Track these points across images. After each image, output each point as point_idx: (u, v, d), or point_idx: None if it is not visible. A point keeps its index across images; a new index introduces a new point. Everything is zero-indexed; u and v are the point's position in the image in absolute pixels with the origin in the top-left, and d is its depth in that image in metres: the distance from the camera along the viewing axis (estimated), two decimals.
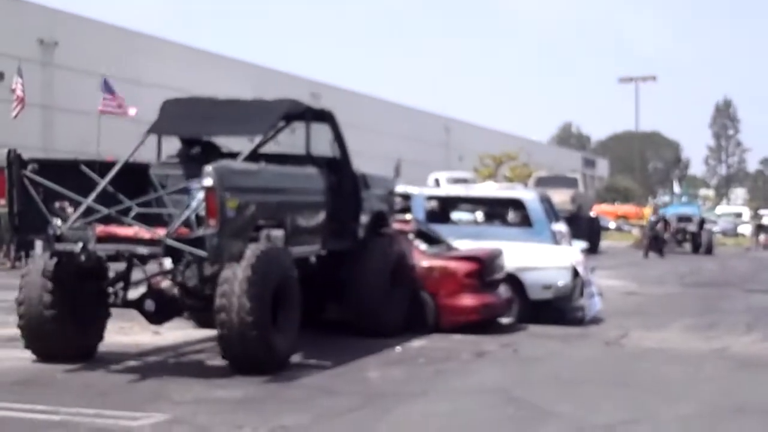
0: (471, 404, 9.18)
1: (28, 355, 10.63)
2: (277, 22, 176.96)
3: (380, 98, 59.21)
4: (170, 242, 9.80)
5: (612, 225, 53.71)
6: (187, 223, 10.30)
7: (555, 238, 17.34)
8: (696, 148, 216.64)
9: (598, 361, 12.00)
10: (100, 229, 10.12)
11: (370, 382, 10.11)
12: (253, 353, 9.84)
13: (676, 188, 61.63)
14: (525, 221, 17.93)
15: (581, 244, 19.60)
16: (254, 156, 11.55)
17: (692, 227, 38.32)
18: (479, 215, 19.76)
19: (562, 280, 14.91)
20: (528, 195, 18.80)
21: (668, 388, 10.23)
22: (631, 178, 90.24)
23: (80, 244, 9.90)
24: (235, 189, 9.80)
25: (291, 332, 10.51)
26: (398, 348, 12.17)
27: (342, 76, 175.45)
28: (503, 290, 14.26)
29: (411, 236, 14.34)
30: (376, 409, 8.86)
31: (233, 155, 11.55)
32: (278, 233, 10.73)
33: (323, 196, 11.83)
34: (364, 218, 12.92)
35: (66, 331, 10.46)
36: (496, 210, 19.63)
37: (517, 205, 18.43)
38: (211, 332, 13.03)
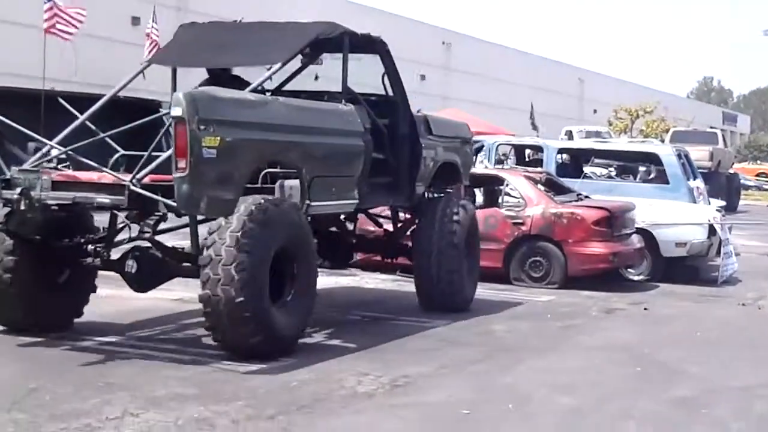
0: (598, 361, 8.99)
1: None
2: None
3: (513, 48, 58.47)
4: (134, 188, 7.95)
5: (751, 183, 51.98)
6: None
7: (692, 195, 16.86)
8: None
9: (733, 322, 11.60)
10: (60, 173, 8.48)
11: (496, 336, 10.00)
12: (246, 337, 7.94)
13: None
14: (661, 177, 17.48)
15: (719, 202, 19.00)
16: (267, 89, 9.80)
17: None
18: (613, 170, 19.34)
19: (698, 238, 14.56)
20: (664, 150, 18.27)
21: None
22: None
23: (18, 190, 8.10)
24: (218, 122, 7.84)
25: (300, 309, 8.55)
26: (524, 303, 12.01)
27: (474, 25, 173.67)
28: (635, 239, 14.02)
29: (540, 185, 14.14)
30: (500, 361, 8.75)
31: (263, 91, 9.77)
32: (293, 183, 8.77)
33: (361, 140, 9.71)
34: (424, 170, 10.93)
35: (35, 298, 8.74)
36: (631, 165, 19.20)
37: (653, 160, 17.97)
38: (343, 279, 13.15)
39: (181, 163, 7.61)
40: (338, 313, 10.83)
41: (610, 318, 11.41)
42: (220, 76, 10.22)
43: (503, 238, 13.48)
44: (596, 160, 19.22)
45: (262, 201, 8.11)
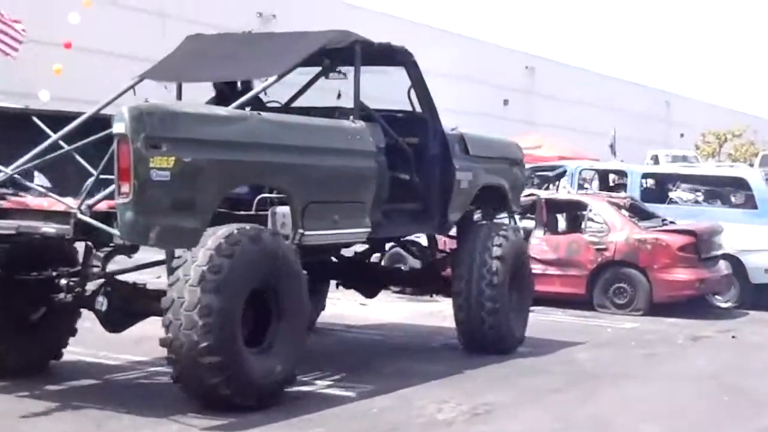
0: (683, 390, 8.81)
1: None
2: None
3: (597, 72, 57.97)
4: (81, 216, 6.96)
5: None
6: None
7: None
8: None
9: None
10: (11, 200, 7.64)
11: (578, 363, 9.87)
12: (215, 388, 6.90)
13: None
14: (749, 202, 17.16)
15: None
16: (260, 104, 8.81)
17: None
18: (699, 195, 19.04)
19: None
20: (753, 174, 17.93)
21: None
22: None
23: None
24: (172, 141, 6.79)
25: (286, 353, 7.45)
26: (609, 329, 11.85)
27: (558, 49, 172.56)
28: (723, 266, 13.79)
29: (624, 210, 13.99)
30: (582, 389, 8.63)
31: (274, 109, 8.95)
32: (283, 210, 7.80)
33: (373, 160, 8.56)
34: (459, 195, 9.74)
35: (2, 338, 7.91)
36: (718, 189, 18.87)
37: (741, 184, 17.64)
38: (425, 306, 13.12)
39: (124, 188, 6.62)
40: (419, 339, 10.83)
41: (697, 346, 11.21)
42: (227, 93, 9.12)
43: (586, 264, 13.36)
44: (682, 185, 18.93)
45: (235, 231, 7.07)
